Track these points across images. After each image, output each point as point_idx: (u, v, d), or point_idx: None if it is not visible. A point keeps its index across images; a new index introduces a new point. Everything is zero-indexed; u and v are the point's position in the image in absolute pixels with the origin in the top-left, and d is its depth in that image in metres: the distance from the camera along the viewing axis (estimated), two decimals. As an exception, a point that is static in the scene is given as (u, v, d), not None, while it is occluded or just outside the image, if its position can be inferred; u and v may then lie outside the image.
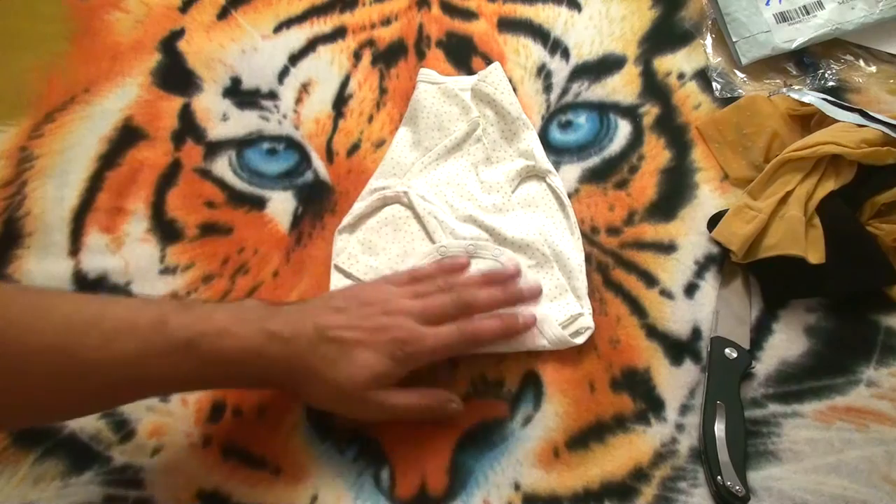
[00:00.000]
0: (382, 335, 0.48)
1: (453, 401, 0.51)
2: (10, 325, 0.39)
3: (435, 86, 0.65)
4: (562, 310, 0.55)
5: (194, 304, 0.46)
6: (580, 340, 0.54)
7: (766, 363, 0.54)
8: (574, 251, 0.57)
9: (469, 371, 0.54)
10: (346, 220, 0.60)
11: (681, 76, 0.66)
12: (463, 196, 0.60)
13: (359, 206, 0.60)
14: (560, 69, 0.67)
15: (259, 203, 0.63)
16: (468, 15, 0.70)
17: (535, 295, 0.55)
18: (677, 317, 0.56)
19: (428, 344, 0.49)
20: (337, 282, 0.58)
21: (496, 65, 0.65)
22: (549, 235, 0.58)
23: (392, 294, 0.51)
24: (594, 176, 0.62)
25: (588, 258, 0.58)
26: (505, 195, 0.59)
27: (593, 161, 0.63)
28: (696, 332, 0.56)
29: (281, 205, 0.62)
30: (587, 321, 0.55)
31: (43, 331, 0.40)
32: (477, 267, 0.56)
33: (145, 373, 0.43)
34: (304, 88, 0.68)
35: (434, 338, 0.49)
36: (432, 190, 0.60)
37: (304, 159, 0.64)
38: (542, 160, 0.61)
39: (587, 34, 0.69)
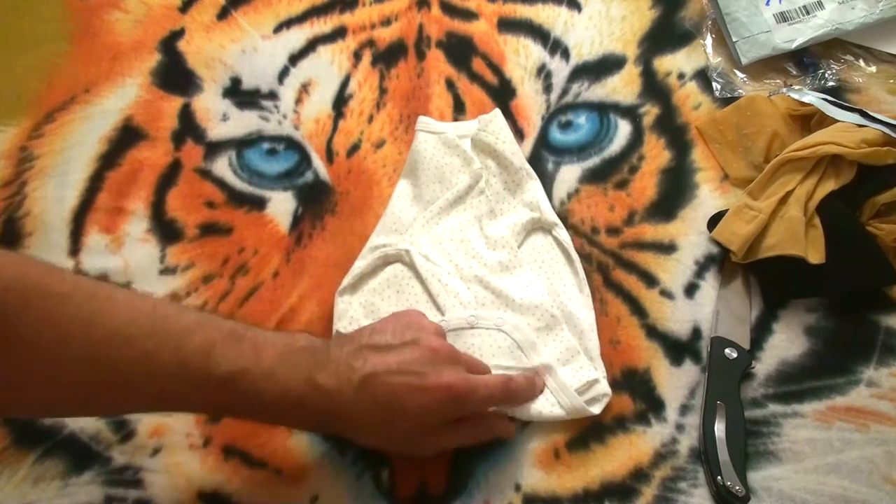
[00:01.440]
0: (435, 384, 0.45)
1: (505, 424, 0.51)
2: (60, 335, 0.39)
3: (435, 136, 0.62)
4: (575, 374, 0.53)
5: (248, 334, 0.44)
6: (597, 410, 0.52)
7: (766, 363, 0.54)
8: (584, 310, 0.55)
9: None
10: (347, 280, 0.57)
11: (681, 76, 0.66)
12: (467, 254, 0.57)
13: (359, 265, 0.57)
14: (560, 69, 0.67)
15: (259, 203, 0.63)
16: (468, 15, 0.70)
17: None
18: (677, 317, 0.56)
19: (479, 395, 0.48)
20: None
21: (496, 112, 0.63)
22: (557, 295, 0.56)
23: (440, 334, 0.50)
24: (594, 176, 0.62)
25: (588, 258, 0.58)
26: (511, 251, 0.57)
27: (593, 161, 0.63)
28: (696, 332, 0.56)
29: (281, 205, 0.62)
30: (604, 387, 0.53)
31: (87, 341, 0.40)
32: (480, 337, 0.54)
33: (180, 395, 0.43)
34: (304, 88, 0.68)
35: (485, 388, 0.48)
36: (435, 248, 0.58)
37: (304, 159, 0.64)
38: (548, 212, 0.59)
39: (587, 34, 0.69)
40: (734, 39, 0.65)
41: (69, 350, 0.39)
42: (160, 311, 0.43)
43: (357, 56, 0.69)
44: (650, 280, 0.57)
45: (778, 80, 0.65)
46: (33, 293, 0.39)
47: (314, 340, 0.47)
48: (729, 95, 0.64)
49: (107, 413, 0.49)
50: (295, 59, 0.69)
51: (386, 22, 0.71)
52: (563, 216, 0.60)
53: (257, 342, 0.44)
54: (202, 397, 0.43)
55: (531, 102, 0.65)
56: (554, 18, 0.70)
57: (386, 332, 0.48)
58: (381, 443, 0.49)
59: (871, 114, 0.58)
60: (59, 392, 0.41)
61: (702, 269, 0.58)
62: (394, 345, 0.47)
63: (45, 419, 0.54)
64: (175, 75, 0.69)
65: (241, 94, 0.68)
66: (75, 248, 0.61)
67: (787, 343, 0.55)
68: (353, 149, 0.65)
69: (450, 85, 0.67)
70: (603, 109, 0.65)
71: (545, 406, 0.52)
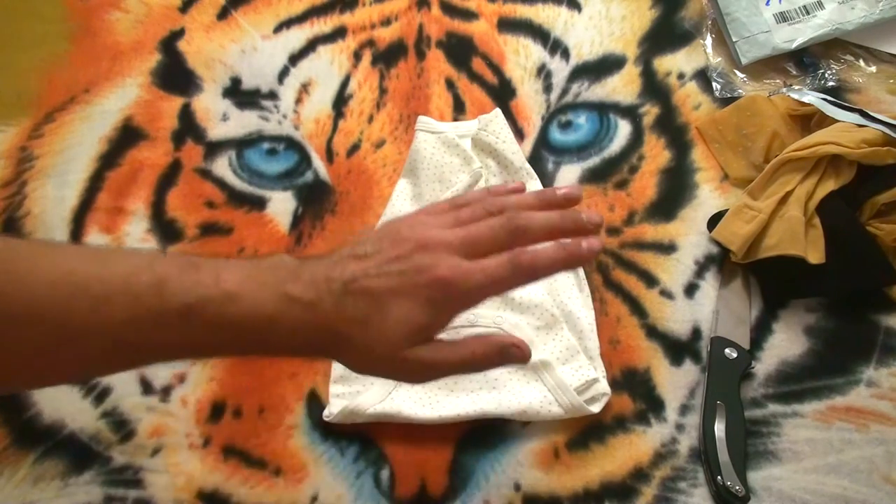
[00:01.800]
0: (419, 277, 0.38)
1: (516, 345, 0.40)
2: None
3: (434, 135, 0.62)
4: (575, 374, 0.53)
5: (205, 263, 0.38)
6: (596, 409, 0.52)
7: (766, 363, 0.54)
8: (583, 310, 0.56)
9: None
10: None
11: (681, 76, 0.66)
12: None
13: None
14: (560, 69, 0.67)
15: (259, 203, 0.63)
16: (468, 15, 0.70)
17: (597, 225, 0.41)
18: (677, 317, 0.56)
19: (475, 281, 0.38)
20: None
21: (497, 112, 0.63)
22: (557, 294, 0.56)
23: (428, 226, 0.41)
24: (594, 176, 0.62)
25: (588, 258, 0.58)
26: None
27: (593, 161, 0.63)
28: (696, 332, 0.56)
29: (281, 205, 0.62)
30: (603, 387, 0.53)
31: (27, 298, 0.35)
32: (477, 331, 0.51)
33: (140, 340, 0.37)
34: (304, 88, 0.68)
35: (482, 273, 0.38)
36: None
37: (304, 159, 0.64)
38: None
39: (587, 34, 0.69)
40: (734, 39, 0.65)
41: (8, 310, 0.35)
42: (101, 255, 0.39)
43: (357, 56, 0.69)
44: (650, 280, 0.57)
45: (778, 80, 0.65)
46: None
47: (285, 257, 0.41)
48: (729, 95, 0.64)
49: (65, 379, 0.43)
50: (295, 59, 0.69)
51: (386, 22, 0.71)
52: (563, 216, 0.60)
53: (217, 267, 0.38)
54: (162, 338, 0.37)
55: (531, 102, 0.65)
56: (554, 18, 0.70)
57: (368, 241, 0.41)
58: (371, 367, 0.41)
59: (871, 114, 0.58)
60: (6, 358, 0.36)
61: (702, 269, 0.58)
62: (378, 249, 0.40)
63: (43, 419, 0.54)
64: (175, 75, 0.69)
65: (241, 94, 0.68)
66: (75, 247, 0.61)
67: (787, 343, 0.55)
68: (353, 149, 0.65)
69: (450, 85, 0.67)
70: (603, 109, 0.65)
71: (543, 405, 0.52)
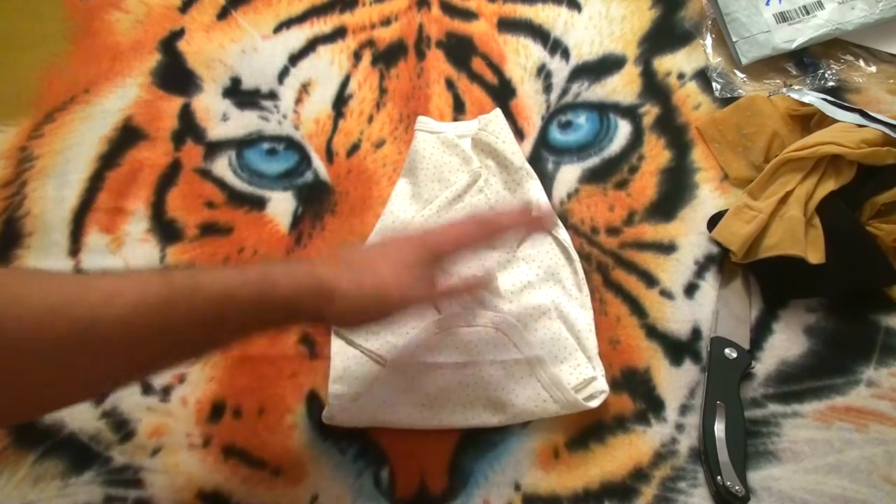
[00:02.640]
0: (403, 241, 0.47)
1: (481, 278, 0.51)
2: (6, 301, 0.35)
3: (433, 135, 0.63)
4: (573, 372, 0.53)
5: (194, 266, 0.45)
6: (595, 404, 0.52)
7: (766, 363, 0.54)
8: (582, 309, 0.56)
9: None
10: None
11: (681, 76, 0.66)
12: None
13: None
14: (560, 69, 0.67)
15: (259, 203, 0.63)
16: (468, 15, 0.70)
17: (547, 224, 0.56)
18: (677, 317, 0.56)
19: (449, 232, 0.48)
20: (338, 347, 0.56)
21: (497, 112, 0.63)
22: (556, 294, 0.56)
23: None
24: (594, 176, 0.62)
25: (588, 258, 0.58)
26: (510, 250, 0.57)
27: (593, 161, 0.63)
28: (696, 332, 0.56)
29: (281, 205, 0.62)
30: (601, 384, 0.53)
31: (37, 300, 0.36)
32: (477, 335, 0.54)
33: (151, 323, 0.38)
34: (304, 88, 0.68)
35: (453, 227, 0.48)
36: None
37: (304, 159, 0.64)
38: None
39: (587, 34, 0.69)
40: (734, 39, 0.65)
41: (29, 313, 0.35)
42: (94, 272, 0.43)
43: (357, 56, 0.69)
44: (650, 280, 0.57)
45: (778, 80, 0.65)
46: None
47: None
48: (729, 95, 0.64)
49: (96, 389, 0.44)
50: (295, 59, 0.69)
51: (386, 22, 0.71)
52: (563, 216, 0.60)
53: (204, 267, 0.44)
54: (170, 316, 0.39)
55: (531, 102, 0.65)
56: (554, 18, 0.70)
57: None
58: (356, 309, 0.45)
59: (871, 114, 0.58)
60: (36, 368, 0.37)
61: (702, 269, 0.58)
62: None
63: (43, 419, 0.54)
64: (175, 75, 0.69)
65: (241, 94, 0.68)
66: (75, 248, 0.61)
67: (787, 343, 0.55)
68: (353, 149, 0.65)
69: (450, 85, 0.67)
70: (603, 109, 0.65)
71: (538, 404, 0.52)
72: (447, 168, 0.61)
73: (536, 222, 0.52)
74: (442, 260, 0.47)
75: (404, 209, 0.60)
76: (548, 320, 0.55)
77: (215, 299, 0.40)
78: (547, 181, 0.62)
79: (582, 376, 0.53)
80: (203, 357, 0.50)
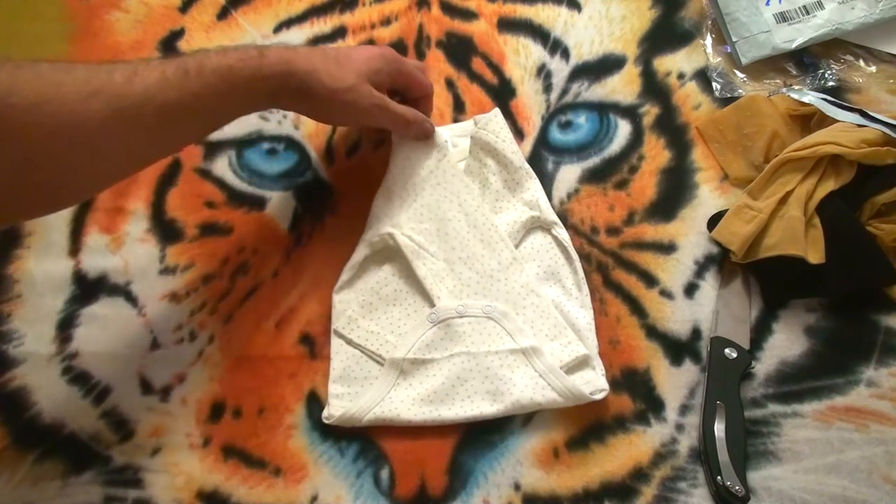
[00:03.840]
0: (375, 47, 0.57)
1: (428, 122, 0.60)
2: (40, 91, 0.41)
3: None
4: (564, 349, 0.53)
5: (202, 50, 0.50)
6: (596, 397, 0.52)
7: (766, 363, 0.54)
8: (582, 310, 0.56)
9: (469, 371, 0.54)
10: (343, 277, 0.58)
11: (681, 76, 0.66)
12: (449, 234, 0.58)
13: (352, 261, 0.58)
14: (560, 69, 0.67)
15: (259, 203, 0.63)
16: (468, 15, 0.70)
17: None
18: (677, 317, 0.56)
19: (409, 64, 0.59)
20: (337, 347, 0.56)
21: (496, 111, 0.63)
22: (556, 295, 0.56)
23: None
24: (594, 176, 0.62)
25: (588, 258, 0.58)
26: (507, 246, 0.57)
27: (593, 161, 0.63)
28: (695, 332, 0.56)
29: (281, 205, 0.62)
30: (602, 383, 0.52)
31: (72, 82, 0.42)
32: (470, 325, 0.55)
33: (169, 96, 0.46)
34: (304, 88, 0.68)
35: (413, 62, 0.60)
36: (416, 227, 0.58)
37: (304, 159, 0.64)
38: (548, 211, 0.59)
39: (587, 34, 0.69)
40: (734, 39, 0.65)
41: (66, 97, 0.42)
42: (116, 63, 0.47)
43: (357, 56, 0.69)
44: (650, 280, 0.58)
45: (778, 80, 0.65)
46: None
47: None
48: (729, 95, 0.64)
49: (134, 164, 0.50)
50: (295, 58, 0.69)
51: (386, 22, 0.71)
52: (563, 216, 0.60)
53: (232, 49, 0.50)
54: (188, 90, 0.47)
55: (531, 102, 0.65)
56: (554, 18, 0.70)
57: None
58: (333, 95, 0.52)
59: (871, 114, 0.58)
60: (82, 146, 0.43)
61: (702, 269, 0.58)
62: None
63: (43, 419, 0.54)
64: (175, 75, 0.69)
65: (241, 94, 0.68)
66: (75, 247, 0.61)
67: (787, 343, 0.55)
68: (353, 149, 0.65)
69: (450, 85, 0.67)
70: (603, 109, 0.65)
71: (536, 391, 0.52)
72: (415, 155, 0.61)
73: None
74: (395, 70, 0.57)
75: (384, 204, 0.60)
76: (536, 297, 0.55)
77: (220, 72, 0.48)
78: (547, 181, 0.62)
79: (573, 353, 0.53)
80: (212, 130, 0.54)
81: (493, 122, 0.62)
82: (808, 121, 0.61)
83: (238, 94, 0.50)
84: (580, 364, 0.53)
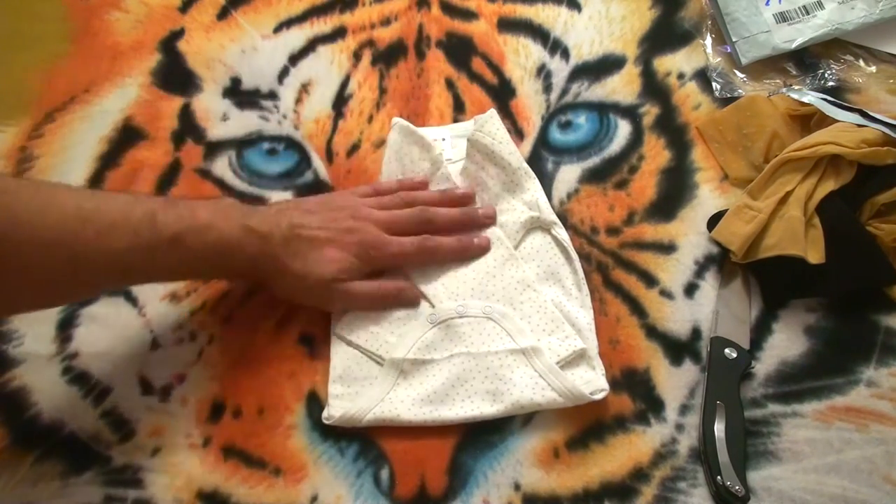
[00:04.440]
0: (350, 237, 0.53)
1: (407, 289, 0.56)
2: (13, 222, 0.42)
3: (395, 127, 0.63)
4: (562, 344, 0.53)
5: (178, 202, 0.50)
6: (596, 397, 0.52)
7: (766, 363, 0.54)
8: (581, 310, 0.56)
9: (469, 371, 0.54)
10: None
11: (681, 76, 0.66)
12: None
13: None
14: (560, 69, 0.67)
15: (259, 203, 0.62)
16: (468, 15, 0.70)
17: (490, 217, 0.58)
18: (677, 317, 0.56)
19: (391, 250, 0.54)
20: (337, 347, 0.56)
21: (492, 112, 0.62)
22: (556, 295, 0.56)
23: (359, 203, 0.56)
24: (594, 176, 0.62)
25: (588, 258, 0.58)
26: (509, 248, 0.58)
27: (593, 161, 0.63)
28: (695, 332, 0.56)
29: (281, 205, 0.62)
30: (602, 383, 0.52)
31: (45, 226, 0.43)
32: (470, 326, 0.55)
33: (135, 264, 0.47)
34: (304, 88, 0.68)
35: (398, 246, 0.54)
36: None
37: (304, 159, 0.64)
38: (548, 211, 0.59)
39: (587, 34, 0.69)
40: (734, 39, 0.65)
41: (30, 237, 0.43)
42: (98, 194, 0.49)
43: (357, 56, 0.69)
44: (650, 280, 0.57)
45: (778, 80, 0.65)
46: None
47: (235, 201, 0.54)
48: (729, 95, 0.64)
49: (78, 296, 0.52)
50: (295, 59, 0.69)
51: (386, 22, 0.71)
52: (563, 216, 0.60)
53: (189, 205, 0.50)
54: (155, 262, 0.48)
55: (531, 102, 0.65)
56: (554, 18, 0.70)
57: (310, 202, 0.56)
58: (301, 291, 0.54)
59: (871, 114, 0.58)
60: (28, 282, 0.44)
61: (702, 269, 0.58)
62: (318, 210, 0.55)
63: (42, 419, 0.54)
64: (175, 75, 0.69)
65: (241, 94, 0.68)
66: (75, 248, 0.61)
67: (787, 343, 0.55)
68: (353, 149, 0.65)
69: (450, 85, 0.67)
70: (603, 109, 0.65)
71: (536, 391, 0.52)
72: (408, 159, 0.61)
73: (474, 250, 0.57)
74: (380, 266, 0.55)
75: None
76: (532, 292, 0.55)
77: (192, 255, 0.48)
78: (547, 181, 0.62)
79: (571, 348, 0.53)
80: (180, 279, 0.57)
81: (490, 124, 0.61)
82: (808, 121, 0.61)
83: (207, 269, 0.52)
84: (580, 363, 0.53)
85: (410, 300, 0.56)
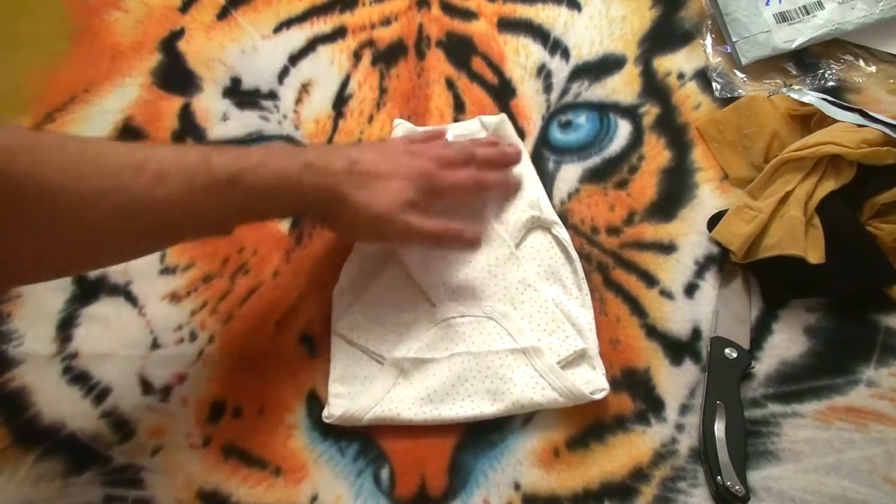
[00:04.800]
0: (410, 169, 0.53)
1: (468, 231, 0.55)
2: (66, 173, 0.40)
3: (398, 128, 0.63)
4: (563, 343, 0.54)
5: (229, 147, 0.50)
6: (596, 397, 0.52)
7: (766, 363, 0.54)
8: (582, 310, 0.56)
9: (469, 371, 0.54)
10: (343, 277, 0.58)
11: (681, 76, 0.66)
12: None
13: (352, 261, 0.59)
14: (560, 69, 0.67)
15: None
16: (468, 15, 0.70)
17: (518, 155, 0.61)
18: (677, 317, 0.56)
19: (449, 180, 0.55)
20: (338, 346, 0.56)
21: (503, 117, 0.63)
22: (556, 295, 0.56)
23: (409, 141, 0.58)
24: (594, 176, 0.62)
25: (588, 258, 0.58)
26: (509, 248, 0.58)
27: (593, 161, 0.63)
28: (696, 332, 0.56)
29: (281, 205, 0.62)
30: (602, 383, 0.52)
31: (97, 175, 0.41)
32: (471, 326, 0.55)
33: (193, 210, 0.45)
34: (304, 88, 0.68)
35: (453, 176, 0.55)
36: None
37: (305, 159, 0.64)
38: (549, 211, 0.59)
39: (587, 34, 0.69)
40: (734, 39, 0.65)
41: (87, 188, 0.41)
42: (144, 145, 0.49)
43: (357, 56, 0.69)
44: (650, 280, 0.58)
45: (778, 80, 0.65)
46: (36, 147, 0.40)
47: (285, 144, 0.55)
48: (729, 95, 0.64)
49: (128, 255, 0.48)
50: (295, 59, 0.69)
51: (386, 22, 0.71)
52: (564, 216, 0.60)
53: (240, 148, 0.50)
54: (212, 204, 0.46)
55: (531, 102, 0.66)
56: (554, 18, 0.70)
57: (366, 144, 0.59)
58: (363, 224, 0.52)
59: (871, 114, 0.58)
60: (85, 237, 0.42)
61: (702, 269, 0.58)
62: (374, 148, 0.55)
63: (42, 419, 0.54)
64: (175, 75, 0.69)
65: (241, 94, 0.68)
66: (75, 247, 0.61)
67: (787, 343, 0.55)
68: (353, 149, 0.65)
69: (450, 85, 0.67)
70: (603, 109, 0.65)
71: (536, 391, 0.52)
72: None
73: (513, 185, 0.60)
74: (439, 197, 0.55)
75: None
76: (533, 292, 0.55)
77: (251, 194, 0.47)
78: (547, 181, 0.62)
79: (572, 347, 0.53)
80: (228, 231, 0.54)
81: (502, 129, 0.62)
82: (808, 121, 0.61)
83: (265, 208, 0.51)
84: (580, 362, 0.54)
85: (471, 241, 0.56)
